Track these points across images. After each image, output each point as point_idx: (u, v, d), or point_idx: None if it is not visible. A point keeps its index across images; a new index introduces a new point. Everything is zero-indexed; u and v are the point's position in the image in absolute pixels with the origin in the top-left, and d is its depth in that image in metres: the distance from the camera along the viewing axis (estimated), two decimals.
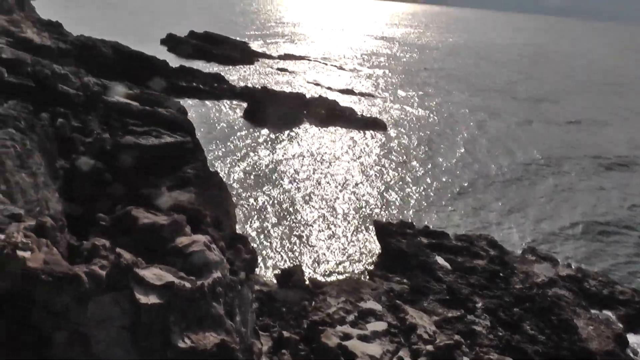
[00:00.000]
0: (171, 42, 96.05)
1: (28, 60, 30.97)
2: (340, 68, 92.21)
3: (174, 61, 70.90)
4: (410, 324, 14.28)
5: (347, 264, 27.83)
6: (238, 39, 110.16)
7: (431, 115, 62.75)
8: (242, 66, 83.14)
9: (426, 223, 32.55)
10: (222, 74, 69.21)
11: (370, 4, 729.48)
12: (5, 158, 18.45)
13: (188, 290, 8.88)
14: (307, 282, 22.84)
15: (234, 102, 56.74)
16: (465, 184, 40.66)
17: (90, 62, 45.06)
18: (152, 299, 8.32)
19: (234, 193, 33.31)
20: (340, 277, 26.21)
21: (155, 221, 10.15)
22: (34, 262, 8.08)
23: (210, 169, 32.27)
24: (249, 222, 31.17)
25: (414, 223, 29.93)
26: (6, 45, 36.01)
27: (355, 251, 29.04)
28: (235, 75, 75.93)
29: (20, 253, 8.04)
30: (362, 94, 70.10)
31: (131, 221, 10.29)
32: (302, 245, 29.13)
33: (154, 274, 8.84)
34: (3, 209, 13.07)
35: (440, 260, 26.39)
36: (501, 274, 25.55)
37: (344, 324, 13.05)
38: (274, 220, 31.81)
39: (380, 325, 13.92)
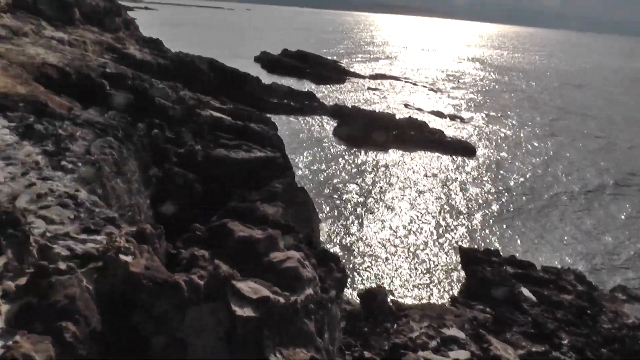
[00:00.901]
0: (264, 60, 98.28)
1: (129, 74, 32.36)
2: (430, 89, 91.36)
3: (266, 78, 72.43)
4: (494, 355, 13.74)
5: (430, 288, 27.26)
6: (330, 57, 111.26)
7: (522, 139, 60.88)
8: (333, 85, 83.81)
9: (511, 251, 31.51)
10: (314, 91, 70.00)
11: (459, 25, 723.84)
12: (104, 164, 19.17)
13: (282, 305, 8.88)
14: (390, 304, 22.50)
15: (324, 119, 57.21)
16: (555, 213, 39.12)
17: (187, 77, 46.52)
18: (248, 312, 8.40)
19: (319, 209, 33.39)
20: (423, 301, 25.71)
21: (251, 234, 10.23)
22: (136, 267, 8.26)
23: (298, 185, 32.61)
24: (332, 239, 31.12)
25: (500, 251, 28.97)
26: (110, 60, 37.79)
27: (439, 276, 28.42)
28: (327, 93, 76.58)
29: (122, 257, 8.24)
30: (451, 116, 69.08)
31: (227, 233, 10.42)
32: (385, 266, 28.79)
33: (250, 287, 8.91)
34: (99, 211, 13.54)
35: (525, 291, 25.34)
36: (589, 311, 24.26)
37: (426, 349, 12.67)
38: (358, 239, 31.63)
39: (463, 354, 13.45)
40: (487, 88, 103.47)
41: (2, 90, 19.93)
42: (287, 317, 8.85)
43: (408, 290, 26.61)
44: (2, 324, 5.68)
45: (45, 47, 31.55)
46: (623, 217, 40.03)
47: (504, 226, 35.79)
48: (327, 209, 35.10)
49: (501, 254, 28.30)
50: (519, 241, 34.00)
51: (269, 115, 42.27)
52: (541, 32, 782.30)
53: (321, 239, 29.99)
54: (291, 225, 13.02)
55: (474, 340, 14.48)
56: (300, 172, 39.20)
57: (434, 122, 61.27)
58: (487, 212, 37.65)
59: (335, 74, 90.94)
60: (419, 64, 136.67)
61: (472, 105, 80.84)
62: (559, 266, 29.38)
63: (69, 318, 6.61)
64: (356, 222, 33.73)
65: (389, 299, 23.33)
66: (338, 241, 30.97)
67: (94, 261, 7.83)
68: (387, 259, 29.72)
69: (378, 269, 28.35)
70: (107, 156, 20.13)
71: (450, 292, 26.68)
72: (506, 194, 41.64)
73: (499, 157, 51.85)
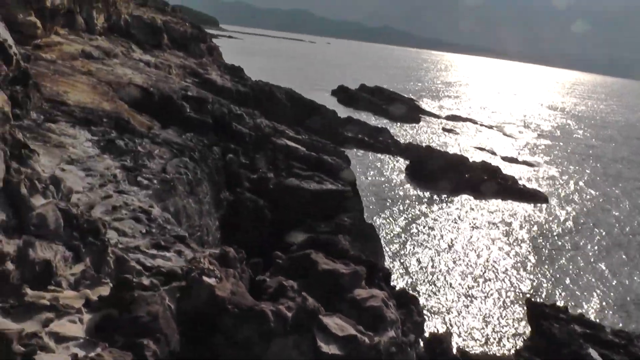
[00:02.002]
0: (341, 94, 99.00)
1: (209, 99, 33.13)
2: (505, 134, 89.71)
3: (342, 111, 72.76)
4: None
5: (495, 339, 26.26)
6: (406, 95, 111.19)
7: (596, 192, 58.84)
8: (408, 123, 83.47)
9: (579, 309, 30.18)
10: (388, 128, 69.90)
11: (542, 70, 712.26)
12: (178, 183, 19.50)
13: (367, 345, 8.67)
14: (455, 352, 21.80)
15: (397, 157, 56.85)
16: (627, 272, 37.27)
17: (265, 105, 47.27)
18: (333, 349, 8.26)
19: (385, 247, 32.94)
20: (488, 352, 24.81)
21: (335, 268, 10.09)
22: (222, 291, 8.16)
23: (366, 220, 32.32)
24: (396, 280, 30.57)
25: (568, 308, 27.67)
26: (192, 84, 38.86)
27: (505, 328, 27.36)
28: (401, 130, 76.30)
29: (206, 279, 8.13)
30: (525, 162, 67.49)
31: (310, 264, 10.30)
32: (449, 312, 27.97)
33: (336, 323, 8.76)
34: (170, 229, 13.68)
35: (594, 353, 24.03)
36: None
37: None
38: (422, 282, 30.93)
39: None
40: (563, 136, 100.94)
41: (89, 105, 20.62)
42: (370, 357, 8.61)
43: (472, 340, 25.69)
44: (83, 334, 5.63)
45: (132, 69, 32.69)
46: None
47: (573, 282, 34.35)
48: (394, 248, 34.59)
49: (569, 310, 27.07)
50: (588, 300, 32.53)
51: (342, 148, 42.41)
52: (616, 80, 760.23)
53: None
54: (373, 262, 12.75)
55: None
56: (369, 208, 38.84)
57: (507, 168, 59.96)
58: (556, 265, 36.23)
59: (411, 112, 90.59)
60: (496, 107, 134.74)
61: (547, 152, 78.90)
62: (631, 330, 27.86)
63: (150, 335, 6.54)
64: (422, 264, 33.06)
65: (454, 347, 22.63)
66: (403, 282, 30.40)
67: (177, 280, 7.70)
68: (452, 304, 28.92)
69: (442, 315, 27.57)
70: (181, 176, 20.47)
71: (516, 346, 25.63)
72: (577, 248, 40.03)
73: (572, 209, 50.11)
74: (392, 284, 29.30)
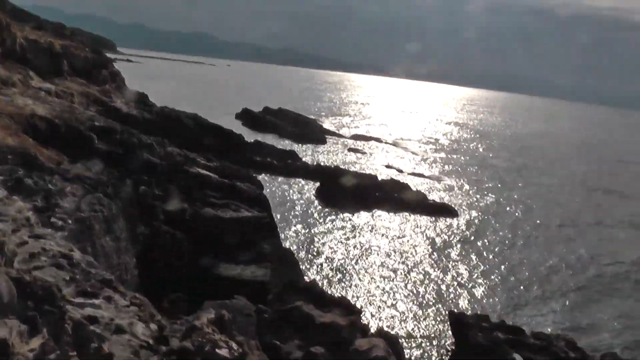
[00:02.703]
0: (246, 117, 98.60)
1: (117, 128, 32.08)
2: (410, 151, 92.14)
3: (248, 135, 72.33)
4: None
5: (421, 354, 26.69)
6: (311, 116, 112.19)
7: (501, 201, 61.43)
8: (314, 144, 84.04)
9: (498, 314, 31.19)
10: (295, 150, 70.13)
11: (434, 87, 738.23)
12: (94, 222, 18.64)
13: None
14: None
15: (307, 180, 56.97)
16: (539, 276, 38.96)
17: (172, 132, 46.33)
18: None
19: (304, 271, 32.83)
20: None
21: (333, 321, 9.81)
22: None
23: (283, 245, 32.15)
24: None
25: (489, 316, 28.54)
26: (97, 113, 37.57)
27: (429, 342, 27.85)
28: (308, 152, 76.73)
29: (220, 352, 7.39)
30: (432, 178, 69.59)
31: (303, 318, 9.94)
32: (374, 328, 28.17)
33: None
34: (95, 273, 12.98)
35: (518, 358, 24.94)
36: None
37: None
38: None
39: None
40: (464, 150, 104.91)
41: None
42: None
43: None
44: None
45: (33, 98, 31.23)
46: (608, 277, 40.24)
47: (490, 289, 35.51)
48: (312, 271, 34.54)
49: (490, 318, 27.88)
50: (505, 303, 33.72)
51: (254, 174, 42.08)
52: (512, 97, 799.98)
53: None
54: (357, 309, 12.46)
55: None
56: (283, 233, 38.66)
57: (416, 184, 61.49)
58: (472, 274, 37.42)
59: (316, 133, 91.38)
60: (399, 125, 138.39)
61: (453, 168, 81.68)
62: (549, 330, 29.07)
63: None
64: (340, 285, 33.18)
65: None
66: None
67: (191, 357, 6.77)
68: (374, 323, 29.14)
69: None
70: (97, 213, 19.60)
71: (443, 357, 26.13)
72: (489, 256, 41.59)
73: (479, 219, 52.07)
74: None
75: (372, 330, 26.06)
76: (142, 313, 10.93)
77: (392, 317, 30.04)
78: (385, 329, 28.44)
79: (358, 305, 30.52)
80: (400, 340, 27.37)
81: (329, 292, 31.72)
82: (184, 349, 6.35)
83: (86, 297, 11.49)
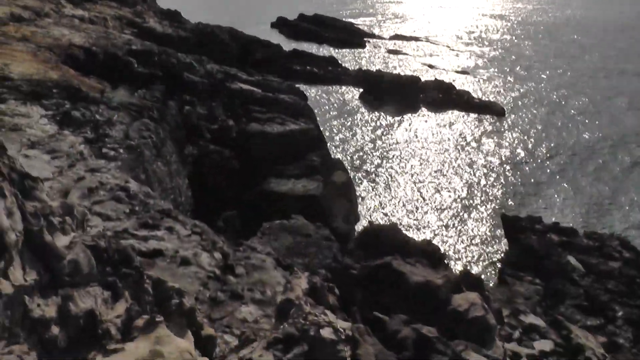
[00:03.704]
0: (282, 25, 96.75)
1: (155, 50, 31.64)
2: (452, 48, 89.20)
3: (285, 44, 71.07)
4: (577, 344, 13.10)
5: (474, 257, 26.68)
6: (347, 19, 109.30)
7: (553, 100, 59.14)
8: (354, 49, 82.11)
9: (550, 214, 30.81)
10: (335, 56, 68.77)
11: None
12: (144, 148, 18.68)
13: None
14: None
15: (350, 86, 56.03)
16: (590, 173, 37.98)
17: (209, 48, 45.73)
18: None
19: (354, 179, 32.74)
20: (470, 269, 25.14)
21: (428, 280, 9.49)
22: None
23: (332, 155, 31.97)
24: (371, 210, 30.56)
25: (542, 218, 27.98)
26: (132, 36, 37.09)
27: (483, 245, 27.76)
28: (348, 57, 75.11)
29: (325, 335, 6.38)
30: (477, 75, 67.54)
31: (395, 276, 9.64)
32: (425, 234, 28.19)
33: None
34: (153, 203, 13.03)
35: (572, 260, 24.51)
36: (638, 280, 23.43)
37: (511, 340, 12.02)
38: (395, 207, 31.02)
39: (547, 344, 12.76)
40: (509, 44, 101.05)
41: (35, 76, 19.37)
42: None
43: (453, 262, 25.98)
44: None
45: (68, 27, 30.88)
46: None
47: (542, 191, 34.91)
48: (362, 178, 34.45)
49: (543, 220, 27.40)
50: (558, 206, 33.17)
51: (293, 83, 41.42)
52: None
53: (360, 209, 29.40)
54: (434, 248, 12.06)
55: (554, 328, 13.83)
56: (331, 142, 38.43)
57: (460, 83, 59.87)
58: (523, 174, 36.72)
59: (355, 37, 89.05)
60: (438, 21, 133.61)
61: (496, 63, 78.95)
62: (602, 231, 28.53)
63: None
64: (393, 188, 33.09)
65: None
66: (377, 211, 30.41)
67: (297, 344, 6.10)
68: (427, 225, 29.19)
69: (420, 237, 27.73)
70: (146, 140, 19.63)
71: (497, 262, 26.05)
72: (540, 155, 40.56)
73: (529, 116, 50.50)
74: (367, 216, 29.39)
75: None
76: (204, 242, 10.95)
77: (445, 221, 29.95)
78: (438, 234, 28.61)
79: (414, 213, 30.72)
80: (455, 246, 27.58)
81: (380, 198, 31.88)
82: (289, 335, 5.71)
83: (148, 229, 11.57)
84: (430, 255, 10.97)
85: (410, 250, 11.03)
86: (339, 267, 10.45)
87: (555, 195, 34.29)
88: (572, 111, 53.60)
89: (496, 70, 73.43)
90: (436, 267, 10.55)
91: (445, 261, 12.06)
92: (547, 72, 74.05)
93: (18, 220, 4.40)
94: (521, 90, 61.84)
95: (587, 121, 50.23)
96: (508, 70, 73.92)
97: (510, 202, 32.68)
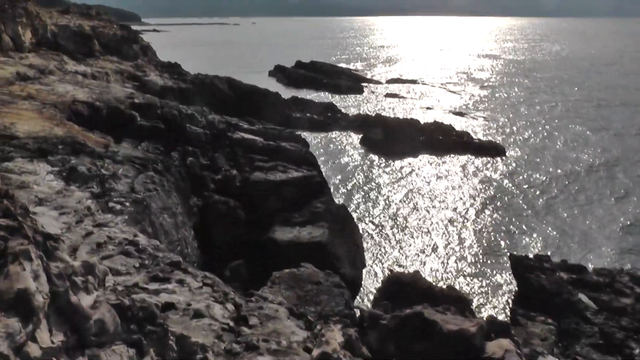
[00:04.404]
0: (279, 73, 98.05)
1: (157, 103, 32.01)
2: (449, 90, 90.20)
3: (284, 92, 71.84)
4: None
5: (485, 297, 26.49)
6: (344, 65, 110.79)
7: (550, 134, 59.58)
8: (351, 95, 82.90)
9: (557, 252, 30.67)
10: (333, 102, 69.44)
11: (462, 21, 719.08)
12: (150, 201, 18.76)
13: None
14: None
15: (349, 131, 56.47)
16: (596, 209, 37.97)
17: (209, 99, 46.31)
18: None
19: (358, 223, 32.68)
20: (481, 314, 24.93)
21: (462, 328, 9.43)
22: None
23: (335, 201, 31.97)
24: (376, 255, 30.46)
25: (550, 255, 27.90)
26: (133, 89, 37.56)
27: (492, 287, 27.58)
28: (347, 103, 75.87)
29: None
30: (475, 116, 68.09)
31: (428, 325, 9.59)
32: (436, 277, 28.03)
33: None
34: (162, 257, 13.03)
35: (584, 298, 24.31)
36: None
37: None
38: (401, 251, 30.92)
39: None
40: (504, 83, 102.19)
41: (41, 134, 19.58)
42: None
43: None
44: None
45: (72, 83, 31.34)
46: None
47: (546, 227, 34.86)
48: (366, 222, 34.44)
49: (550, 258, 27.26)
50: (563, 242, 33.06)
51: (293, 130, 41.72)
52: (539, 21, 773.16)
53: (365, 255, 29.29)
54: (466, 297, 12.01)
55: None
56: (333, 188, 38.52)
57: (459, 124, 60.36)
58: (527, 214, 36.69)
59: (352, 82, 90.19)
60: (433, 64, 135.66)
61: (493, 102, 79.78)
62: (612, 266, 28.38)
63: None
64: (397, 233, 33.04)
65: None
66: (382, 256, 30.31)
67: None
68: (436, 267, 29.04)
69: (430, 279, 27.54)
70: (151, 192, 19.72)
71: (507, 302, 25.84)
72: (545, 193, 40.62)
73: (529, 155, 50.72)
74: (373, 261, 29.26)
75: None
76: (216, 293, 10.94)
77: (452, 265, 29.81)
78: (448, 277, 28.42)
79: (418, 257, 30.60)
80: (463, 287, 27.37)
81: (385, 242, 31.78)
82: None
83: (159, 282, 11.57)
84: (457, 301, 10.90)
85: (437, 297, 10.95)
86: (366, 317, 10.39)
87: (559, 231, 34.22)
88: (568, 144, 53.94)
89: (492, 108, 74.36)
90: (464, 314, 10.45)
91: (470, 303, 11.99)
92: (540, 107, 74.94)
93: (44, 283, 4.41)
94: (517, 127, 62.43)
95: (578, 154, 50.52)
96: (504, 108, 74.96)
97: (516, 241, 32.59)
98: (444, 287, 12.83)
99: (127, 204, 17.29)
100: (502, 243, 32.39)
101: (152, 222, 18.40)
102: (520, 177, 43.94)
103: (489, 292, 27.16)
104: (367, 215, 35.71)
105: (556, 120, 66.18)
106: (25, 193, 14.56)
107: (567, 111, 73.30)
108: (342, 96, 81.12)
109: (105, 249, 12.55)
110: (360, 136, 53.59)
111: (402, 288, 11.58)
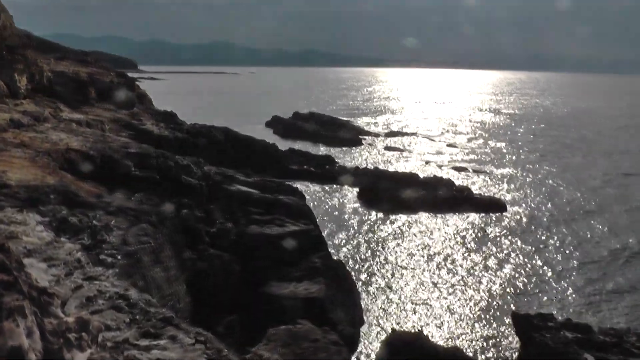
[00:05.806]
0: (276, 124, 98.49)
1: (152, 153, 31.72)
2: (448, 144, 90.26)
3: (281, 143, 71.90)
4: None
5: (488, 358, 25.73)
6: (343, 117, 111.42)
7: (552, 189, 59.46)
8: (350, 147, 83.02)
9: (561, 311, 30.01)
10: (332, 155, 69.38)
11: (462, 74, 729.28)
12: (142, 254, 18.25)
13: None
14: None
15: (347, 185, 56.14)
16: (599, 269, 37.28)
17: (205, 149, 46.13)
18: None
19: (356, 280, 31.99)
20: None
21: None
22: None
23: (332, 257, 31.37)
24: (375, 314, 29.71)
25: (554, 314, 27.29)
26: (129, 138, 37.34)
27: (495, 347, 26.80)
28: (345, 156, 75.81)
29: None
30: (475, 170, 67.97)
31: None
32: (435, 337, 27.22)
33: None
34: (155, 312, 12.46)
35: (591, 359, 23.67)
36: None
37: None
38: (399, 310, 30.21)
39: None
40: (505, 137, 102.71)
41: (33, 182, 19.11)
42: None
43: None
44: None
45: (66, 132, 31.07)
46: None
47: (550, 285, 34.24)
48: (364, 279, 33.76)
49: (554, 317, 26.63)
50: (567, 300, 32.41)
51: (290, 182, 41.40)
52: (538, 75, 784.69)
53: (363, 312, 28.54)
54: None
55: None
56: (330, 242, 37.89)
57: (459, 179, 60.22)
58: (530, 271, 36.08)
59: (350, 134, 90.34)
60: (433, 117, 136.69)
61: (493, 156, 79.95)
62: (618, 326, 27.73)
63: None
64: (396, 292, 32.35)
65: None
66: (381, 314, 29.59)
67: None
68: (435, 327, 28.26)
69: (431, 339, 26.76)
70: (144, 245, 19.18)
71: None
72: (545, 250, 40.07)
73: (531, 210, 50.36)
74: (372, 320, 28.47)
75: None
76: (209, 351, 10.53)
77: (454, 323, 29.05)
78: (450, 336, 27.65)
79: (418, 315, 29.85)
80: (465, 347, 26.56)
81: (384, 301, 31.06)
82: None
83: (150, 338, 11.10)
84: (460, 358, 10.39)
85: (441, 359, 10.46)
86: None
87: (562, 289, 33.61)
88: (571, 201, 53.67)
89: (494, 164, 74.17)
90: None
91: None
92: (540, 165, 74.86)
93: (37, 340, 4.49)
94: (517, 182, 62.26)
95: (581, 212, 50.24)
96: (505, 163, 74.79)
97: (520, 302, 31.88)
98: (448, 347, 12.26)
99: (119, 256, 16.76)
100: (504, 300, 31.74)
101: (144, 275, 17.83)
102: (522, 234, 43.43)
103: (493, 352, 26.39)
104: (365, 271, 35.06)
105: (557, 178, 65.93)
106: (14, 244, 14.01)
107: (570, 167, 73.39)
108: (340, 148, 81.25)
109: (95, 303, 12.02)
110: (358, 189, 53.27)
111: (405, 348, 11.05)
